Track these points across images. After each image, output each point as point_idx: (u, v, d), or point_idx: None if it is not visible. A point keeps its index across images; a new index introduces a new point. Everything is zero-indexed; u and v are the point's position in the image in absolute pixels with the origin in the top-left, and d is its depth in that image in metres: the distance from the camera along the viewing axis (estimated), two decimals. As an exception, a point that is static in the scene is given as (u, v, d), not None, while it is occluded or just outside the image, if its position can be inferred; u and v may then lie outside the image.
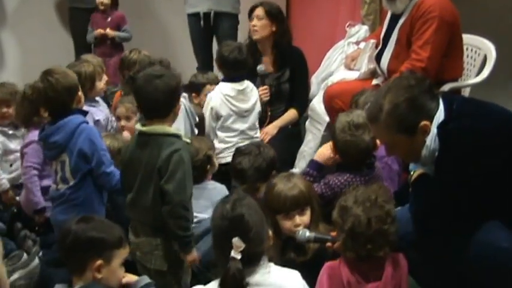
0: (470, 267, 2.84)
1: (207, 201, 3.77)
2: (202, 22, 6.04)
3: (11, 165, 4.54)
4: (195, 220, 3.69)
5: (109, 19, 6.57)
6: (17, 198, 4.38)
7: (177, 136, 3.14)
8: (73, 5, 6.70)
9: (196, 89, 4.99)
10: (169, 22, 7.85)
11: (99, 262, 2.56)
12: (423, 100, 2.82)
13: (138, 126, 3.20)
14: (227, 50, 4.60)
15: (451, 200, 2.82)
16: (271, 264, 2.55)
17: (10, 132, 4.53)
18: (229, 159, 4.01)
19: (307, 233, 2.99)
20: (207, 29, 6.15)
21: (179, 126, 4.20)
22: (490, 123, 2.84)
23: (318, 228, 3.13)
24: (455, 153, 2.79)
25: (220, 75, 4.93)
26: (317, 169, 3.60)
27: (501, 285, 2.85)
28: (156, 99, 3.08)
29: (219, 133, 4.63)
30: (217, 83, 4.87)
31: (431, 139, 2.83)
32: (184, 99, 4.33)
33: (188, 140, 3.25)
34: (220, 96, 4.58)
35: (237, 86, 4.62)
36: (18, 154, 4.44)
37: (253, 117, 4.72)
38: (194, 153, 3.79)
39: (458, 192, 2.80)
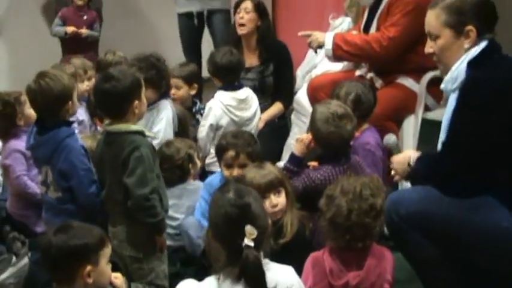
0: (469, 240, 2.93)
1: (189, 201, 3.82)
2: (196, 21, 6.03)
3: None
4: (177, 222, 3.84)
5: (85, 17, 6.57)
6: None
7: (140, 133, 3.22)
8: (59, 8, 6.71)
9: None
10: (155, 21, 7.94)
11: (88, 268, 2.55)
12: (485, 14, 3.05)
13: (105, 125, 3.30)
14: (218, 55, 4.51)
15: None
16: (267, 260, 2.52)
17: None
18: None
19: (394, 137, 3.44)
20: (199, 28, 6.19)
21: (168, 130, 4.17)
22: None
23: (293, 211, 3.20)
24: (477, 99, 2.94)
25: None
26: (297, 164, 3.57)
27: (497, 263, 2.93)
28: (105, 101, 3.23)
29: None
30: (189, 80, 4.86)
31: (458, 65, 3.03)
32: (170, 103, 4.29)
33: (152, 134, 3.37)
34: (221, 106, 4.44)
35: (238, 95, 4.50)
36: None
37: (254, 125, 4.61)
38: (175, 152, 3.86)
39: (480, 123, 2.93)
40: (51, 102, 3.41)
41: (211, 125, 4.42)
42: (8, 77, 7.02)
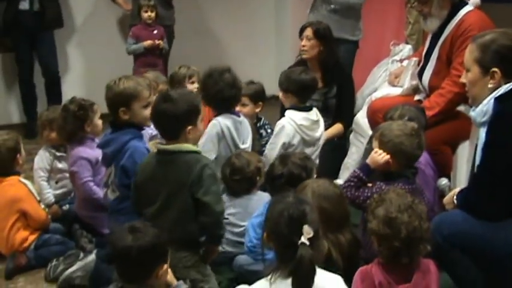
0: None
1: (253, 210, 3.89)
2: None
3: (56, 183, 4.77)
4: (240, 229, 3.94)
5: (155, 31, 6.76)
6: (64, 208, 4.66)
7: (198, 153, 3.28)
8: (133, 23, 6.93)
9: None
10: (225, 39, 8.15)
11: (165, 267, 2.67)
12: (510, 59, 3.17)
13: (159, 145, 3.34)
14: (295, 73, 4.55)
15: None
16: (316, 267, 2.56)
17: (58, 154, 4.72)
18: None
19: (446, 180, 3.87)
20: None
21: (208, 145, 4.11)
22: None
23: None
24: (503, 132, 3.08)
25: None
26: (367, 174, 3.58)
27: None
28: (159, 121, 3.29)
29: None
30: (255, 98, 4.88)
31: (489, 100, 3.14)
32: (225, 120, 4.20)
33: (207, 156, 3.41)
34: (294, 125, 4.44)
35: (311, 115, 4.52)
36: (65, 174, 4.71)
37: (321, 143, 4.64)
38: (245, 165, 3.97)
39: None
40: (115, 99, 3.57)
41: (283, 144, 4.43)
42: (81, 85, 7.27)
